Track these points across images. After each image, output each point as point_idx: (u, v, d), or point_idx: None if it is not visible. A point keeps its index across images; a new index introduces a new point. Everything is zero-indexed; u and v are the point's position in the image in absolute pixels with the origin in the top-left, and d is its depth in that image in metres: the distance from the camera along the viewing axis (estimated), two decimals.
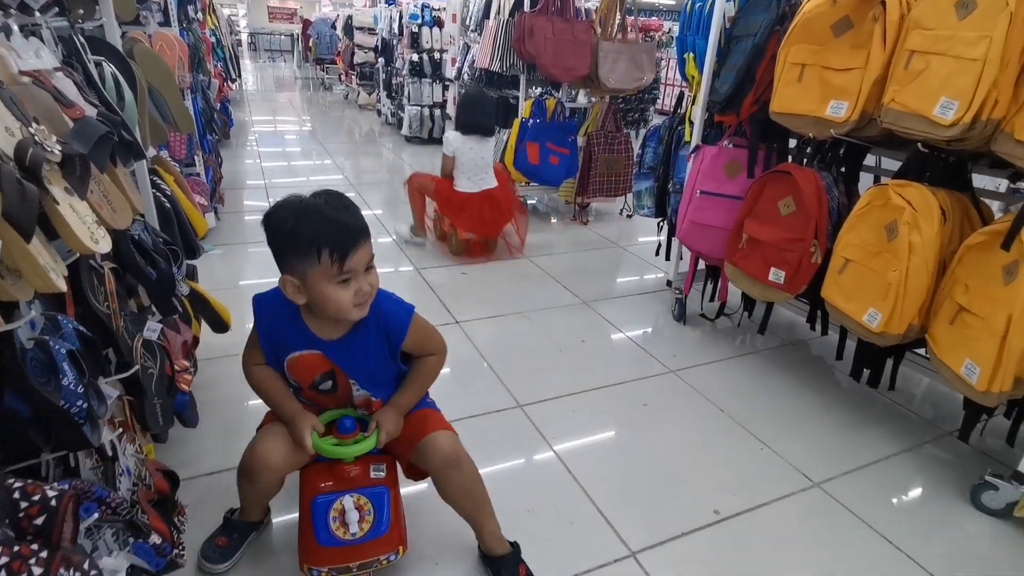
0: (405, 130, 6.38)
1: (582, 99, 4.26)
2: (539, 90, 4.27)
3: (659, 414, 1.96)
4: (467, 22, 5.00)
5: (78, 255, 1.03)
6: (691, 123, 2.49)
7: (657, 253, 2.86)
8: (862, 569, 1.41)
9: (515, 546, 1.32)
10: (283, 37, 17.88)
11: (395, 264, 3.10)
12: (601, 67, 3.55)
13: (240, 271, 2.95)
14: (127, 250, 1.32)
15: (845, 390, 2.14)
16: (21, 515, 0.69)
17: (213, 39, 5.52)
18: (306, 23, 12.49)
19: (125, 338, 1.18)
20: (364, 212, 1.13)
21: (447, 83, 6.18)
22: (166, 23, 2.99)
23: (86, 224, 0.90)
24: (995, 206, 1.91)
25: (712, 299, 2.59)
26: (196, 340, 1.79)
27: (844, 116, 1.73)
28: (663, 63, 8.05)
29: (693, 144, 2.44)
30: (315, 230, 1.04)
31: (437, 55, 6.27)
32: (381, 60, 7.43)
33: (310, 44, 11.76)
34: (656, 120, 5.23)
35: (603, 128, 3.75)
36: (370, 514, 1.17)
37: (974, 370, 1.46)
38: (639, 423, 1.91)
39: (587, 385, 2.08)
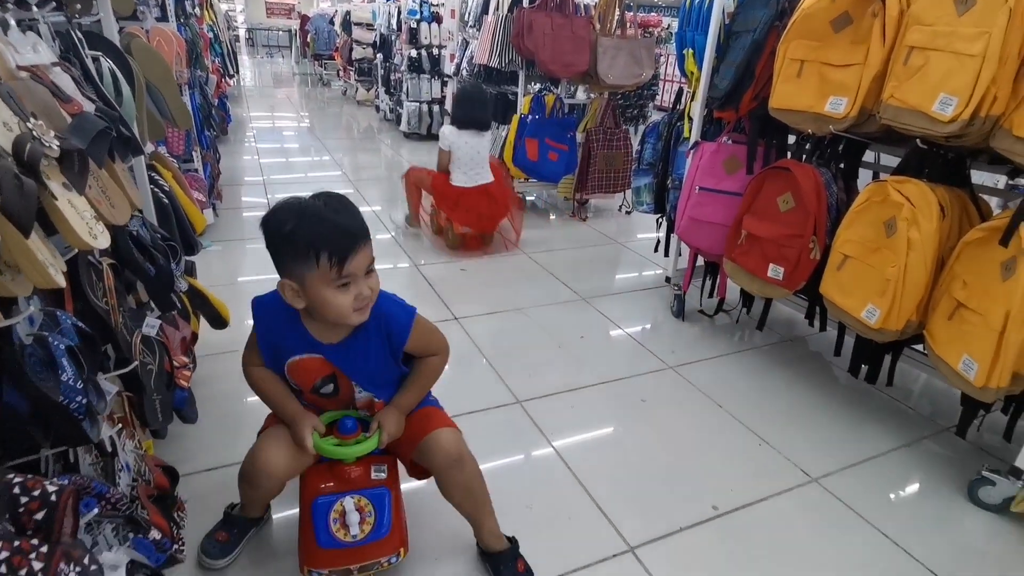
0: (403, 126, 6.37)
1: (581, 95, 4.25)
2: (538, 86, 4.26)
3: (658, 410, 1.96)
4: (466, 18, 4.98)
5: (76, 251, 1.03)
6: (690, 119, 2.49)
7: (656, 249, 2.86)
8: (859, 564, 1.42)
9: (513, 541, 1.33)
10: (281, 33, 17.82)
11: (393, 260, 3.10)
12: (600, 63, 3.55)
13: (238, 267, 2.94)
14: (125, 246, 1.31)
15: (843, 386, 2.14)
16: (21, 510, 0.69)
17: (211, 35, 5.50)
18: (304, 19, 12.43)
19: (124, 334, 1.18)
20: (362, 208, 1.13)
21: (446, 79, 6.16)
22: (163, 18, 2.98)
23: (84, 220, 0.90)
24: (993, 202, 1.92)
25: (711, 295, 2.59)
26: (195, 336, 1.79)
27: (843, 112, 1.73)
28: (662, 59, 8.04)
29: (692, 140, 2.44)
30: (313, 233, 1.02)
31: (436, 51, 6.25)
32: (379, 56, 7.41)
33: (308, 40, 11.71)
34: (655, 116, 5.23)
35: (602, 124, 3.75)
36: (371, 516, 1.16)
37: (972, 366, 1.47)
38: (637, 419, 1.92)
39: (586, 381, 2.08)
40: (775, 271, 2.01)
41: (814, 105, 1.81)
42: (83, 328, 1.02)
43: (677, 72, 2.85)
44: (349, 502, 1.15)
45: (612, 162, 3.78)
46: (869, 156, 2.06)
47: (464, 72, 4.98)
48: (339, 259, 1.02)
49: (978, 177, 1.78)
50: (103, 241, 0.94)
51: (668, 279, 2.81)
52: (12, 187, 0.71)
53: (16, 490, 0.70)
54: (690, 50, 2.44)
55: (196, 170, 3.11)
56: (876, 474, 1.70)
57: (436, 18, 6.25)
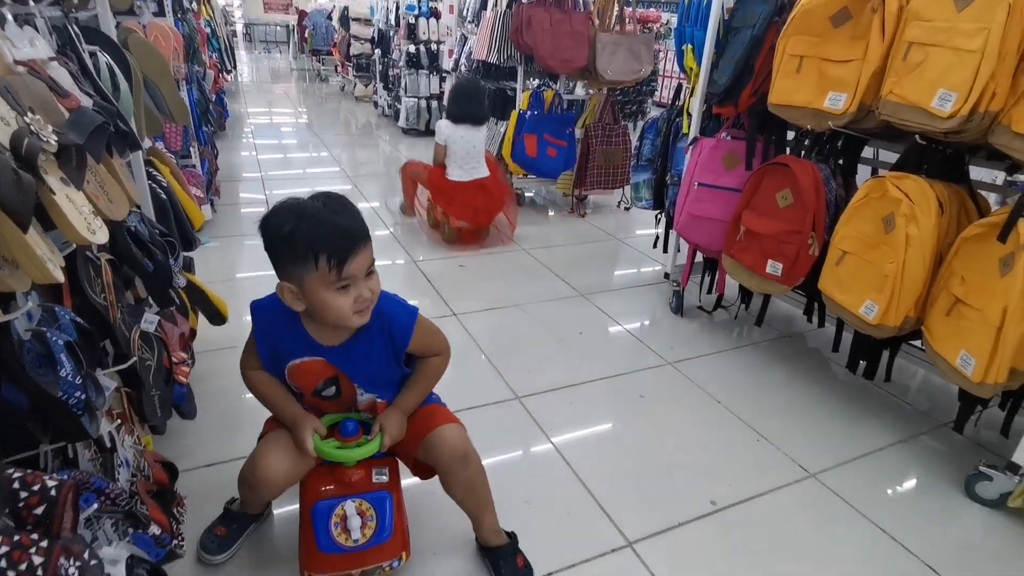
0: (402, 122, 6.35)
1: (580, 91, 4.24)
2: (537, 82, 4.25)
3: (656, 406, 1.97)
4: (464, 13, 4.96)
5: (75, 246, 1.03)
6: (689, 115, 2.49)
7: (655, 245, 2.86)
8: (857, 558, 1.42)
9: (512, 536, 1.33)
10: (279, 28, 17.75)
11: (392, 256, 3.10)
12: (599, 59, 3.54)
13: (236, 264, 2.94)
14: (124, 241, 1.31)
15: (841, 382, 2.15)
16: (21, 505, 0.70)
17: (208, 29, 5.48)
18: (302, 14, 12.38)
19: (122, 330, 1.18)
20: (360, 205, 1.12)
21: (444, 75, 6.15)
22: (160, 13, 2.97)
23: (83, 215, 0.90)
24: (992, 198, 1.92)
25: (709, 291, 2.59)
26: (193, 332, 1.79)
27: (842, 108, 1.73)
28: (661, 55, 8.03)
29: (691, 136, 2.43)
30: (312, 234, 1.00)
31: (434, 46, 6.24)
32: (378, 51, 7.39)
33: (306, 35, 11.67)
34: (654, 112, 5.22)
35: (601, 120, 3.74)
36: (372, 519, 1.14)
37: (969, 361, 1.47)
38: (636, 415, 1.92)
39: (584, 377, 2.08)
40: (774, 267, 2.01)
41: (813, 101, 1.81)
42: (81, 324, 1.02)
43: (676, 68, 2.85)
44: (350, 506, 1.14)
45: (611, 158, 3.78)
46: (868, 152, 2.06)
47: (463, 68, 4.97)
48: (338, 261, 1.00)
49: (976, 173, 1.78)
50: (101, 236, 0.93)
51: (667, 275, 2.81)
52: (10, 182, 0.71)
53: (16, 485, 0.70)
54: (689, 46, 2.44)
55: (194, 166, 3.10)
56: (874, 469, 1.71)
57: (434, 13, 6.23)
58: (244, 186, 4.20)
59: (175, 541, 1.16)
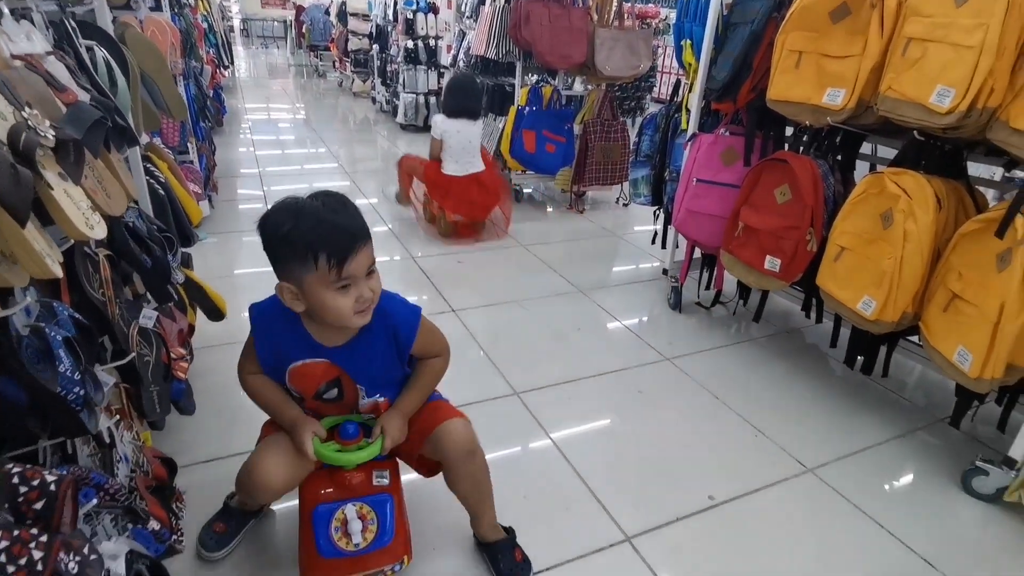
0: (400, 118, 6.34)
1: (578, 87, 4.24)
2: (535, 77, 4.24)
3: (655, 401, 1.97)
4: (463, 8, 4.95)
5: (73, 241, 1.03)
6: (688, 111, 2.48)
7: (653, 241, 2.86)
8: (854, 553, 1.43)
9: (510, 531, 1.33)
10: (276, 23, 17.67)
11: (390, 253, 3.10)
12: (598, 54, 3.53)
13: (235, 260, 2.93)
14: (122, 237, 1.31)
15: (839, 377, 2.15)
16: (20, 500, 0.70)
17: (205, 25, 5.46)
18: (299, 9, 12.34)
19: (121, 325, 1.18)
20: (359, 201, 1.11)
21: (442, 70, 6.13)
22: (157, 8, 2.96)
23: (81, 210, 0.90)
24: (990, 194, 1.92)
25: (708, 287, 2.59)
26: (192, 328, 1.79)
27: (841, 104, 1.73)
28: (660, 50, 8.01)
29: (690, 132, 2.43)
30: (312, 233, 0.98)
31: (432, 42, 6.22)
32: (375, 47, 7.36)
33: (303, 31, 11.63)
34: (653, 108, 5.22)
35: (599, 116, 3.74)
36: (373, 523, 1.12)
37: (966, 357, 1.48)
38: (635, 410, 1.93)
39: (583, 373, 2.09)
40: (772, 263, 2.01)
41: (812, 96, 1.81)
42: (80, 320, 1.01)
43: (675, 64, 2.84)
44: (351, 510, 1.12)
45: (609, 154, 3.77)
46: (866, 148, 2.06)
47: (461, 63, 4.95)
48: (338, 260, 0.99)
49: (974, 169, 1.78)
50: (99, 231, 0.93)
51: (665, 271, 2.81)
52: (8, 177, 0.71)
53: (15, 480, 0.70)
54: (688, 41, 2.43)
55: (192, 162, 3.10)
56: (871, 464, 1.72)
57: (433, 8, 6.21)
58: (242, 182, 4.19)
59: (174, 536, 1.17)
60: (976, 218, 1.51)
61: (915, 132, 1.67)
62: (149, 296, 1.51)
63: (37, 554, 0.64)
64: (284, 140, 5.81)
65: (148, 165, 1.86)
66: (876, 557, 1.42)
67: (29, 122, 0.82)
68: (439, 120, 3.13)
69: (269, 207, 1.05)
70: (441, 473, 1.26)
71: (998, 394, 1.72)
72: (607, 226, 3.73)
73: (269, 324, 1.14)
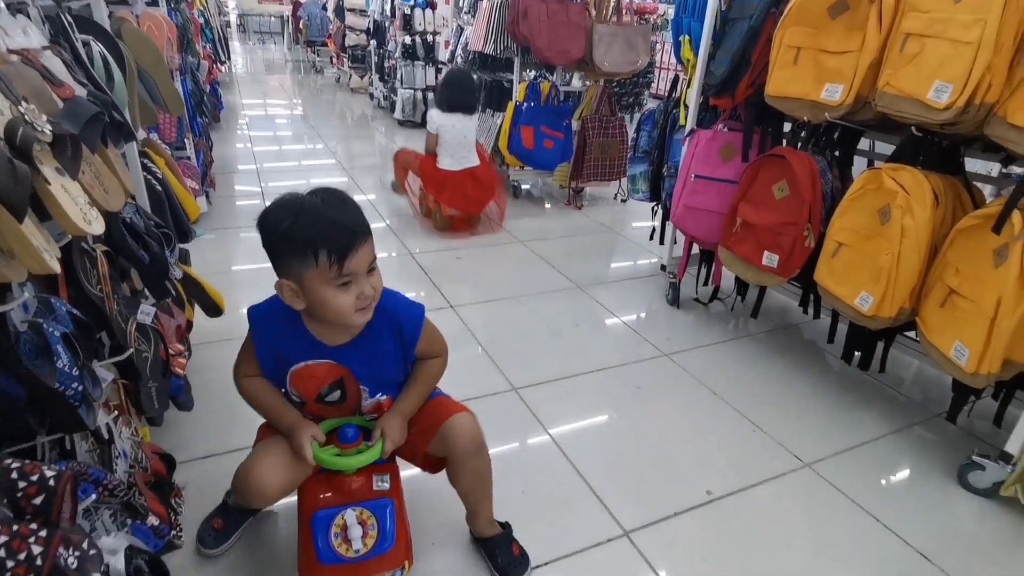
0: (398, 114, 6.32)
1: (577, 82, 4.23)
2: (533, 73, 4.23)
3: (652, 397, 1.98)
4: (460, 4, 4.93)
5: (70, 237, 1.03)
6: (686, 107, 2.48)
7: (651, 237, 2.87)
8: (851, 547, 1.44)
9: (506, 526, 1.33)
10: (273, 19, 17.60)
11: (388, 249, 3.10)
12: (596, 50, 3.53)
13: (232, 256, 2.93)
14: (119, 233, 1.31)
15: (836, 373, 2.16)
16: (19, 495, 0.70)
17: (201, 20, 5.44)
18: (296, 4, 12.27)
19: (119, 321, 1.18)
20: (357, 197, 1.11)
21: (440, 66, 6.11)
22: (154, 3, 2.95)
23: (78, 205, 0.90)
24: (987, 190, 1.92)
25: (706, 283, 2.60)
26: (190, 324, 1.79)
27: (839, 100, 1.73)
28: (658, 46, 8.00)
29: (688, 128, 2.43)
30: (312, 230, 0.97)
31: (430, 37, 6.19)
32: (373, 42, 7.34)
33: (300, 26, 11.58)
34: (651, 104, 5.20)
35: (598, 112, 3.73)
36: (374, 528, 1.10)
37: (963, 352, 1.48)
38: (633, 406, 1.93)
39: (581, 368, 2.09)
40: (770, 259, 2.01)
41: (810, 92, 1.81)
42: (78, 315, 1.01)
43: (673, 59, 2.84)
44: (351, 515, 1.10)
45: (608, 150, 3.77)
46: (864, 144, 2.07)
47: (459, 59, 4.94)
48: (339, 257, 0.98)
49: (972, 165, 1.79)
50: (97, 227, 0.93)
51: (663, 267, 2.81)
52: (5, 171, 0.70)
53: (14, 475, 0.70)
54: (686, 37, 2.43)
55: (189, 157, 3.09)
56: (868, 459, 1.72)
57: (430, 4, 6.18)
58: (239, 178, 4.18)
59: (173, 532, 1.17)
60: (973, 214, 1.51)
61: (913, 128, 1.67)
62: (147, 292, 1.51)
63: (36, 549, 0.64)
64: (281, 136, 5.79)
65: (145, 161, 1.85)
66: (873, 551, 1.43)
67: (26, 117, 0.81)
68: (435, 115, 3.13)
69: (268, 204, 1.04)
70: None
71: (994, 389, 1.72)
72: (605, 222, 3.73)
73: (269, 325, 1.13)
